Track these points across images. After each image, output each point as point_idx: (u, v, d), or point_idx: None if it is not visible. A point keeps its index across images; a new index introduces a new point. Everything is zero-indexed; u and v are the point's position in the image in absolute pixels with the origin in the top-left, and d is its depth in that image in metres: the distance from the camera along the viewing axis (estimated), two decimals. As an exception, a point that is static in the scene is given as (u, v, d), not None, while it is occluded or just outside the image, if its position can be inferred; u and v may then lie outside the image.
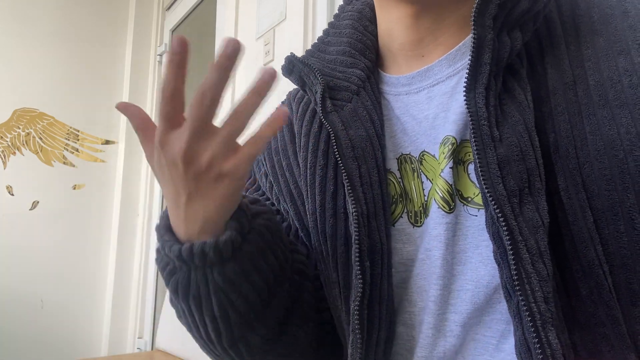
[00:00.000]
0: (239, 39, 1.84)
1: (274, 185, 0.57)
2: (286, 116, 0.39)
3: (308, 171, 0.51)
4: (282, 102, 0.63)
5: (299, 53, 0.59)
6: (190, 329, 0.48)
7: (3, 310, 2.40)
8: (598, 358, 0.38)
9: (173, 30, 2.88)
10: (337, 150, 0.48)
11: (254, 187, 0.61)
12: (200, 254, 0.41)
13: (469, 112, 0.41)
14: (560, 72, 0.43)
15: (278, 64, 1.86)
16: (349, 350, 0.45)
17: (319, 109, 0.50)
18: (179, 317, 0.48)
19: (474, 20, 0.43)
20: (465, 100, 0.42)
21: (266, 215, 0.47)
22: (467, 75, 0.43)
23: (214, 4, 2.32)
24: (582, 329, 0.38)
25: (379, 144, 0.49)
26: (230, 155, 0.40)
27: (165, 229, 0.45)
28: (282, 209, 0.57)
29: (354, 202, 0.45)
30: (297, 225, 0.54)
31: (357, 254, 0.44)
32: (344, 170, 0.47)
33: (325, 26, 1.78)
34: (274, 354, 0.48)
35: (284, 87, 0.65)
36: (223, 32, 2.15)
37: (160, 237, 0.44)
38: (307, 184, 0.51)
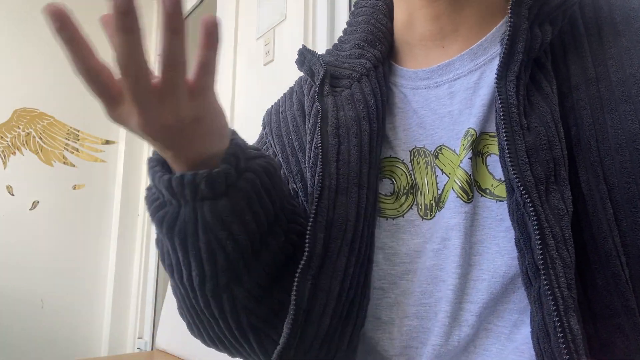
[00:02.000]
0: (239, 39, 1.82)
1: (283, 165, 0.57)
2: (213, 23, 0.34)
3: (312, 152, 0.51)
4: (291, 87, 0.64)
5: None
6: (172, 272, 0.45)
7: (3, 310, 2.40)
8: (611, 349, 0.38)
9: (173, 30, 2.88)
10: (320, 128, 0.49)
11: None
12: (191, 184, 0.39)
13: (500, 99, 0.42)
14: (583, 68, 0.44)
15: (278, 64, 1.86)
16: (285, 321, 0.43)
17: (314, 91, 0.52)
18: (162, 259, 0.46)
19: (511, 9, 0.44)
20: (496, 87, 0.43)
21: (266, 160, 0.44)
22: (500, 63, 0.44)
23: (214, 4, 2.32)
24: (596, 319, 0.39)
25: (370, 126, 0.50)
26: (189, 99, 0.36)
27: (156, 160, 0.43)
28: (291, 189, 0.56)
29: (321, 175, 0.46)
30: (305, 205, 0.54)
31: (311, 224, 0.44)
32: (320, 146, 0.47)
33: (325, 26, 1.77)
34: (257, 315, 0.46)
35: (284, 83, 0.65)
36: (223, 32, 2.15)
37: (150, 168, 0.42)
38: (310, 165, 0.51)
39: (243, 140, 0.45)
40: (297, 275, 0.43)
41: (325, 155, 0.47)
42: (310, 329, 0.43)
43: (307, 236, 0.43)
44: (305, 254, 0.43)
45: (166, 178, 0.40)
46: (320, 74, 0.53)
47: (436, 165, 0.49)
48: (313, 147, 0.50)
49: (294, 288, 0.42)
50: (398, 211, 0.49)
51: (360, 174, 0.47)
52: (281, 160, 0.57)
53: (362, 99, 0.51)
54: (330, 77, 0.53)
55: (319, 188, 0.45)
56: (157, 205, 0.43)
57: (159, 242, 0.45)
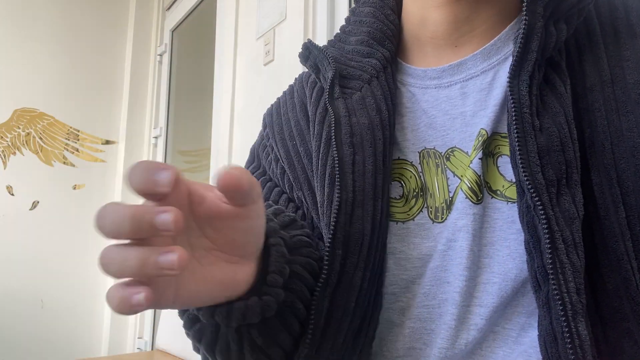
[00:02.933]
0: (239, 39, 1.81)
1: (287, 172, 0.55)
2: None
3: (320, 162, 0.49)
4: (291, 86, 0.61)
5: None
6: None
7: (3, 310, 2.40)
8: (620, 353, 0.38)
9: (173, 30, 2.88)
10: (334, 136, 0.47)
11: (259, 172, 0.59)
12: (241, 317, 0.35)
13: (512, 99, 0.42)
14: (598, 70, 0.43)
15: (278, 64, 1.85)
16: (302, 339, 0.42)
17: (325, 94, 0.50)
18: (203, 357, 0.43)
19: (526, 7, 0.43)
20: (509, 86, 0.42)
21: (305, 250, 0.42)
22: (514, 62, 0.43)
23: (214, 4, 2.32)
24: (605, 323, 0.39)
25: (383, 133, 0.48)
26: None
27: None
28: (295, 196, 0.54)
29: (339, 188, 0.45)
30: (314, 215, 0.52)
31: (329, 240, 0.43)
32: (336, 156, 0.46)
33: (325, 26, 1.76)
34: None
35: (284, 83, 0.65)
36: (223, 32, 2.15)
37: None
38: (318, 175, 0.49)
39: (277, 234, 0.40)
40: (316, 292, 0.42)
41: (341, 166, 0.45)
42: (325, 345, 0.43)
43: (327, 253, 0.43)
44: (324, 270, 0.42)
45: (208, 310, 0.35)
46: (330, 75, 0.50)
47: (447, 167, 0.47)
48: (322, 156, 0.48)
49: (313, 305, 0.42)
50: (408, 214, 0.48)
51: (375, 185, 0.46)
52: (286, 166, 0.55)
53: (373, 104, 0.49)
54: (339, 77, 0.51)
55: (337, 202, 0.44)
56: (191, 318, 0.40)
57: (194, 347, 0.42)
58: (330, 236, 0.43)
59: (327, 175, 0.47)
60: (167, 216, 0.26)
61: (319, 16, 1.61)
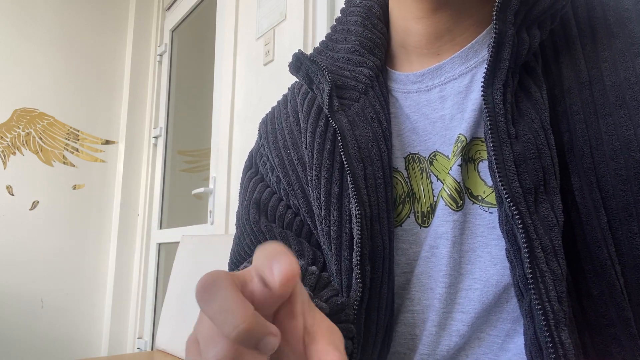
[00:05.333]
0: (238, 39, 1.81)
1: (282, 180, 0.55)
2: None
3: (314, 172, 0.49)
4: (285, 95, 0.61)
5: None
6: None
7: (3, 310, 2.40)
8: (608, 359, 0.38)
9: (173, 30, 2.88)
10: (343, 151, 0.47)
11: (257, 177, 0.60)
12: None
13: (486, 107, 0.41)
14: (575, 72, 0.43)
15: (278, 64, 1.85)
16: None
17: (325, 108, 0.49)
18: None
19: (495, 15, 0.42)
20: (482, 95, 0.42)
21: (343, 315, 0.42)
22: (485, 71, 0.42)
23: (214, 4, 2.32)
24: (592, 329, 0.38)
25: (386, 145, 0.48)
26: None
27: None
28: (291, 203, 0.55)
29: (357, 204, 0.45)
30: (310, 223, 0.53)
31: (358, 257, 0.43)
32: (349, 172, 0.46)
33: (325, 26, 1.76)
34: None
35: (284, 83, 0.65)
36: (223, 32, 2.15)
37: None
38: (313, 186, 0.50)
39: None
40: (354, 310, 0.43)
41: (355, 182, 0.46)
42: None
43: (358, 269, 0.43)
44: (359, 287, 0.43)
45: None
46: (327, 87, 0.50)
47: (431, 171, 0.48)
48: (324, 169, 0.48)
49: (355, 322, 0.42)
50: (396, 220, 0.48)
51: (387, 198, 0.46)
52: (281, 175, 0.55)
53: (374, 116, 0.49)
54: (335, 88, 0.51)
55: (358, 219, 0.44)
56: None
57: None
58: (359, 253, 0.43)
59: (332, 188, 0.48)
60: (271, 343, 0.23)
61: (319, 16, 1.61)
